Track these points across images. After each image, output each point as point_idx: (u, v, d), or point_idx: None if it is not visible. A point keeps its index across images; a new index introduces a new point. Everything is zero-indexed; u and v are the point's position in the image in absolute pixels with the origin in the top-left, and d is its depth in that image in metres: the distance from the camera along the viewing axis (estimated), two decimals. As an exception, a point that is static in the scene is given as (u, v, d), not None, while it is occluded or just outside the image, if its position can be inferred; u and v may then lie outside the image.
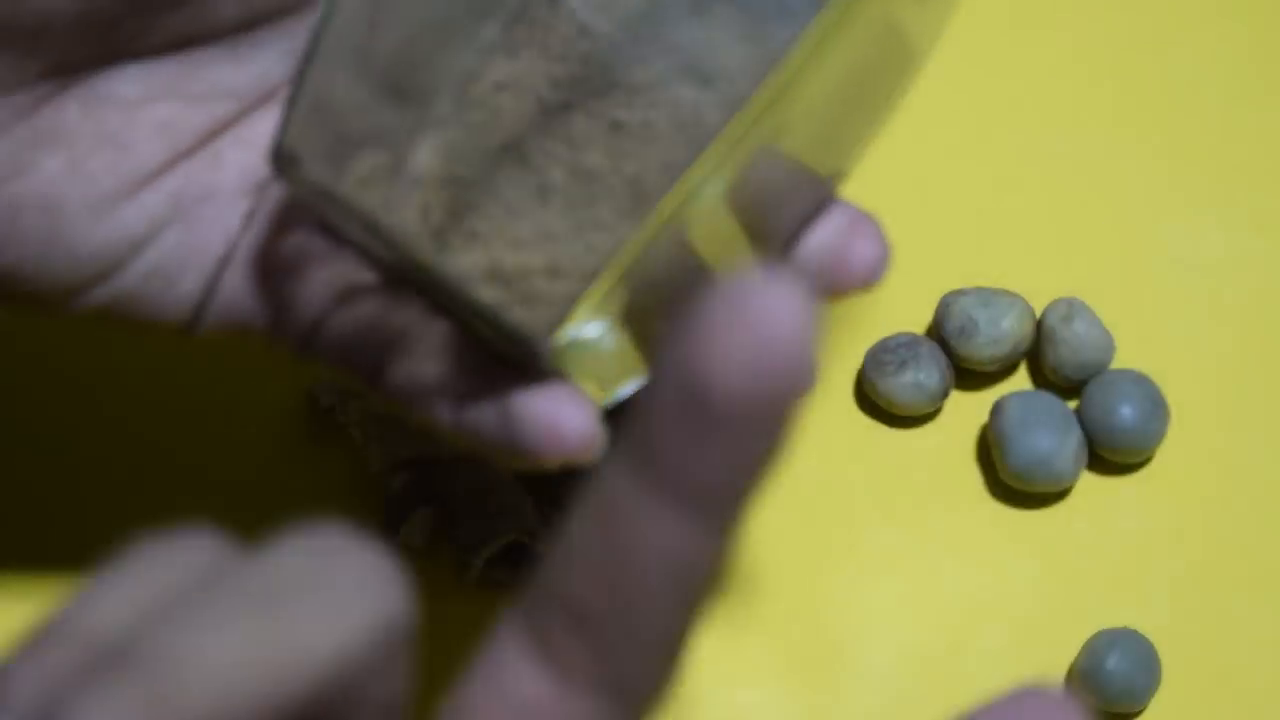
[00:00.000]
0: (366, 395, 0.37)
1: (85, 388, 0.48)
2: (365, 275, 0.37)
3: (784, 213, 0.36)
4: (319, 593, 0.22)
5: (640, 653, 0.23)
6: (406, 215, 0.33)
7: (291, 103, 0.33)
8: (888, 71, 0.36)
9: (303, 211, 0.36)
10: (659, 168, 0.32)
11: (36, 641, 0.23)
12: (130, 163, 0.36)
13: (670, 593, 0.23)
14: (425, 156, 0.33)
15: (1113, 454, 0.47)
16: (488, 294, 0.33)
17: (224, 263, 0.37)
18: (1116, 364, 0.49)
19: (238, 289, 0.37)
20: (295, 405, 0.48)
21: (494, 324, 0.33)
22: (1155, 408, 0.47)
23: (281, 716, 0.22)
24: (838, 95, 0.34)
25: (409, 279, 0.34)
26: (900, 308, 0.50)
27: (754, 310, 0.21)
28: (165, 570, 0.23)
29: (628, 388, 0.36)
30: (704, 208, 0.34)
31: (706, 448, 0.22)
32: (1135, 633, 0.45)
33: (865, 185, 0.51)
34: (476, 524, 0.46)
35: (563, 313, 0.33)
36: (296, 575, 0.23)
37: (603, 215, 0.33)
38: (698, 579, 0.23)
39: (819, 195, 0.36)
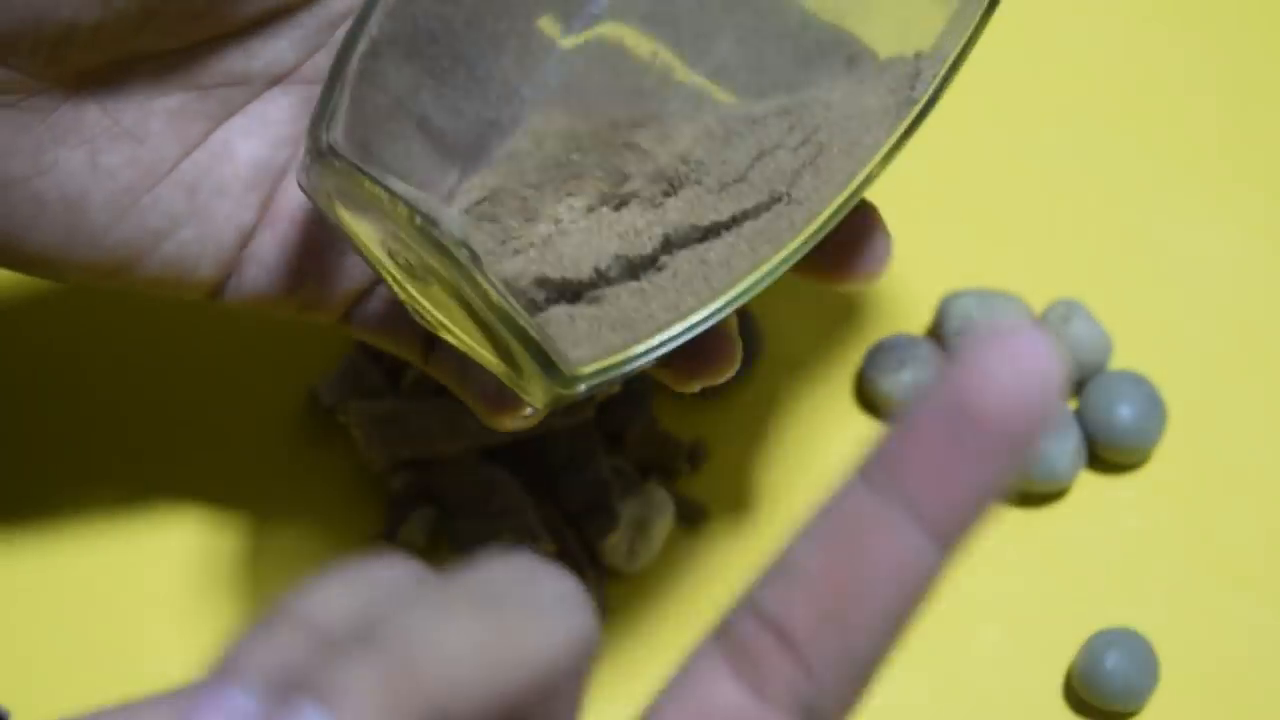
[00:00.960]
0: (415, 365, 0.39)
1: (87, 386, 0.48)
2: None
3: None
4: (532, 604, 0.23)
5: (845, 673, 0.24)
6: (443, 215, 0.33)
7: (329, 89, 0.33)
8: None
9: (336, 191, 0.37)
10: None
11: (263, 625, 0.23)
12: (147, 155, 0.36)
13: (893, 612, 0.23)
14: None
15: (1111, 454, 0.47)
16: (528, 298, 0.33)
17: (240, 254, 0.38)
18: (1114, 364, 0.49)
19: (260, 273, 0.38)
20: (296, 405, 0.48)
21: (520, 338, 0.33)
22: (1153, 408, 0.47)
23: (496, 714, 0.23)
24: None
25: (418, 284, 0.34)
26: (900, 308, 0.50)
27: (1016, 348, 0.23)
28: (371, 578, 0.24)
29: (636, 359, 0.35)
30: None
31: (961, 463, 0.23)
32: (1134, 632, 0.45)
33: (864, 185, 0.51)
34: (476, 524, 0.46)
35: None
36: (508, 587, 0.24)
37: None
38: (921, 600, 0.24)
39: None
